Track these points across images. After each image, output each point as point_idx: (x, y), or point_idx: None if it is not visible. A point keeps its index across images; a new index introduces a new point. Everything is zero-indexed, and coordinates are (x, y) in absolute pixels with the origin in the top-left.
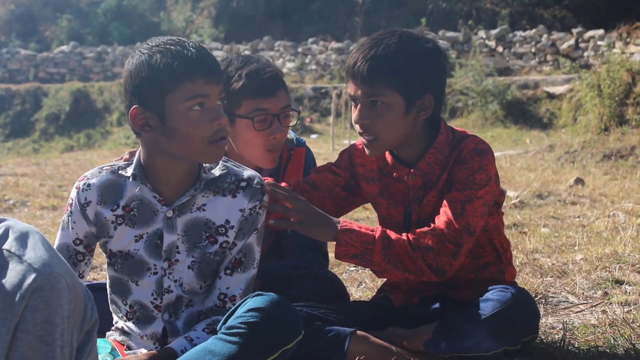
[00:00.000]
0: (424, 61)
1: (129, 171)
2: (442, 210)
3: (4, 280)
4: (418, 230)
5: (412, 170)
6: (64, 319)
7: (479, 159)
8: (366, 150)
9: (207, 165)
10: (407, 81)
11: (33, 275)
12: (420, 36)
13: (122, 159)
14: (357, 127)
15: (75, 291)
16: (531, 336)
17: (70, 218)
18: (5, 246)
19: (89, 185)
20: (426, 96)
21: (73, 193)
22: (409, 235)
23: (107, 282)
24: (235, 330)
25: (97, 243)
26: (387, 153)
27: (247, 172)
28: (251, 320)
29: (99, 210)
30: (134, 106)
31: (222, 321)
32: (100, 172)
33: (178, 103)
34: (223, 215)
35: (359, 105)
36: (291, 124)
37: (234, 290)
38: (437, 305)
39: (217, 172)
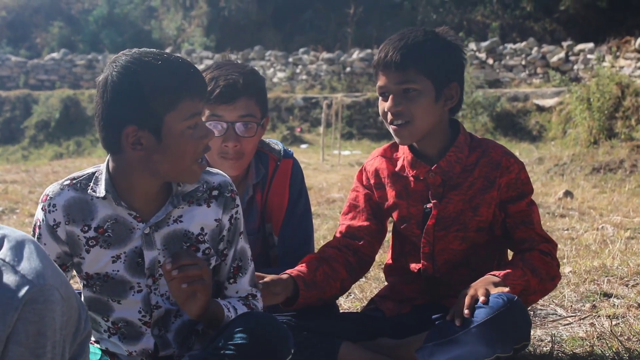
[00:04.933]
0: (449, 51)
1: (98, 190)
2: (516, 222)
3: None
4: (517, 252)
5: (432, 167)
6: (57, 331)
7: (514, 160)
8: (397, 139)
9: None
10: (437, 68)
11: (26, 287)
12: (441, 31)
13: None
14: (388, 117)
15: (70, 302)
16: (523, 343)
17: (40, 240)
18: (0, 255)
19: (54, 205)
20: (452, 84)
21: (40, 214)
22: (525, 254)
23: (83, 299)
24: (223, 352)
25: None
26: (407, 151)
27: (217, 178)
28: (240, 342)
29: (69, 229)
30: (130, 126)
31: (210, 339)
32: (62, 190)
33: (177, 122)
34: (199, 224)
35: (390, 96)
36: (247, 134)
37: (243, 292)
38: (429, 314)
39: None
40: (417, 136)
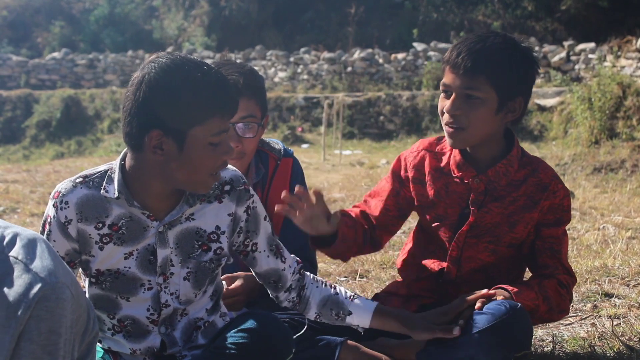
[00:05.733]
0: (523, 64)
1: (111, 191)
2: (545, 247)
3: (9, 288)
4: (536, 276)
5: (480, 175)
6: (67, 329)
7: (562, 186)
8: (449, 141)
9: None
10: (506, 81)
11: (39, 285)
12: (520, 41)
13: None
14: (445, 117)
15: (79, 301)
16: (524, 352)
17: (49, 236)
18: (12, 253)
19: (66, 202)
20: (518, 98)
21: (51, 211)
22: (544, 280)
23: (87, 297)
24: (224, 351)
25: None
26: (456, 151)
27: (228, 173)
28: (241, 341)
29: (81, 227)
30: (155, 130)
31: (211, 339)
32: (75, 187)
33: (203, 136)
34: (213, 222)
35: (452, 96)
36: (249, 135)
37: (294, 263)
38: None
39: None
40: (469, 143)
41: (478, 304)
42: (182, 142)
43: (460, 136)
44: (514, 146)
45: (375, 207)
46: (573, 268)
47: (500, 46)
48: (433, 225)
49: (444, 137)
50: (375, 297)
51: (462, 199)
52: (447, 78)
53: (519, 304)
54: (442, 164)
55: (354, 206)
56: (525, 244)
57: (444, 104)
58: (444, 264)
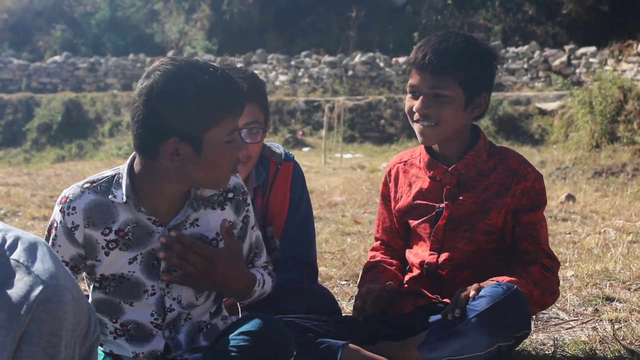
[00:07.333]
0: (486, 61)
1: (119, 196)
2: (524, 234)
3: (10, 291)
4: (519, 263)
5: (449, 169)
6: (68, 332)
7: (532, 169)
8: (421, 139)
9: None
10: (472, 78)
11: (40, 287)
12: (479, 39)
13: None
14: (414, 116)
15: (80, 304)
16: (524, 332)
17: (55, 241)
18: (14, 256)
19: (74, 208)
20: (482, 94)
21: (58, 216)
22: (528, 266)
23: (90, 301)
24: (226, 354)
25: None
26: (424, 152)
27: (232, 181)
28: (242, 344)
29: (88, 232)
30: (172, 138)
31: (213, 341)
32: (82, 192)
33: (218, 137)
34: (214, 228)
35: (421, 97)
36: (254, 140)
37: (259, 267)
38: (430, 315)
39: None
40: (441, 139)
41: (472, 292)
42: (199, 146)
43: (433, 132)
44: (479, 138)
45: (391, 237)
46: (574, 272)
47: (464, 45)
48: (413, 225)
49: (411, 149)
50: None
51: (437, 197)
52: (414, 79)
53: (515, 285)
54: (414, 170)
55: (372, 249)
56: (506, 234)
57: (412, 103)
58: (427, 256)
